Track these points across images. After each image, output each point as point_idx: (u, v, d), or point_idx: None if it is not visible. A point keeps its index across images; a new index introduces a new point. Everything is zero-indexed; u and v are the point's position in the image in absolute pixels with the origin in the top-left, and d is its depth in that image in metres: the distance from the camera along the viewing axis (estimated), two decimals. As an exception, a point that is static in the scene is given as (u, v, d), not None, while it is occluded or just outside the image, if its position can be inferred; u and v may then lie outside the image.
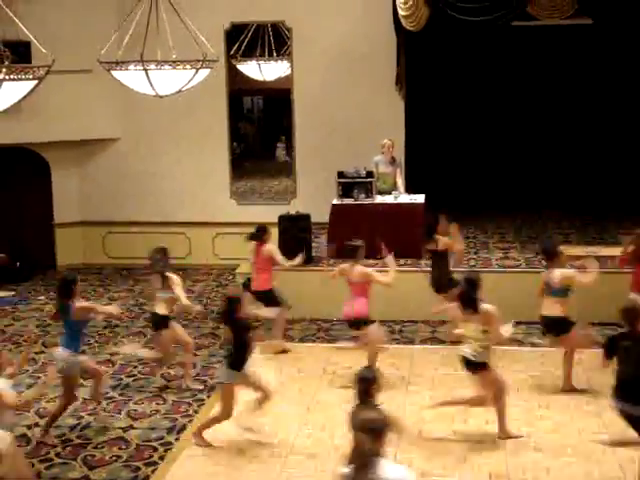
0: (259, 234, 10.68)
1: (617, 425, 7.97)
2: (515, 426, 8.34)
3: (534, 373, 9.75)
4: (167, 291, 9.37)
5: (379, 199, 12.44)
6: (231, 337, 8.11)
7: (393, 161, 12.79)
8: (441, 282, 10.44)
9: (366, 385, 6.16)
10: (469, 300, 7.94)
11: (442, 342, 10.88)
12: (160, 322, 9.47)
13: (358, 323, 9.54)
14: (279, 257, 10.66)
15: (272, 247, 10.74)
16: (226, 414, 8.07)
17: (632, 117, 14.94)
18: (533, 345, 10.62)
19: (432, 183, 13.92)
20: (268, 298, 10.56)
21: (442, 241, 10.47)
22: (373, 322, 9.55)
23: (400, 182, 12.81)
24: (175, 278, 9.44)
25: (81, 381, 8.90)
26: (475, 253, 12.58)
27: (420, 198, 12.56)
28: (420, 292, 11.27)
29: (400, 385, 9.50)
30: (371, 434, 4.95)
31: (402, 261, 11.97)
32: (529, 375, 9.69)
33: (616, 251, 12.07)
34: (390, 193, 12.61)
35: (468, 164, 15.29)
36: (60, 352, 8.32)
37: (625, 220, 14.21)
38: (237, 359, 8.02)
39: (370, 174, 12.39)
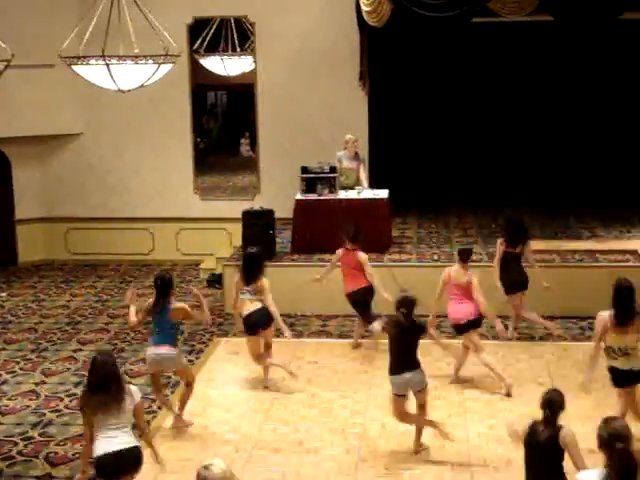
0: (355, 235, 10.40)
1: (576, 415, 8.09)
2: (476, 419, 8.43)
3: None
4: (255, 294, 9.22)
5: (342, 194, 12.48)
6: None
7: (356, 156, 12.82)
8: (520, 280, 10.35)
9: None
10: (630, 310, 7.62)
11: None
12: (254, 325, 9.27)
13: (467, 327, 9.23)
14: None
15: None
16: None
17: (590, 111, 15.09)
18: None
19: (395, 178, 14.00)
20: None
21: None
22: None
23: (363, 177, 12.85)
24: (265, 281, 9.28)
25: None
26: (438, 248, 12.66)
27: (383, 193, 12.62)
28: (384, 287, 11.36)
29: (364, 378, 9.54)
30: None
31: (367, 255, 12.04)
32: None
33: (578, 245, 12.27)
34: (353, 188, 12.64)
35: (431, 159, 15.37)
36: (163, 351, 8.14)
37: (585, 215, 14.41)
38: None
39: (333, 169, 12.42)
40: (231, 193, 15.59)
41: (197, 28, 14.56)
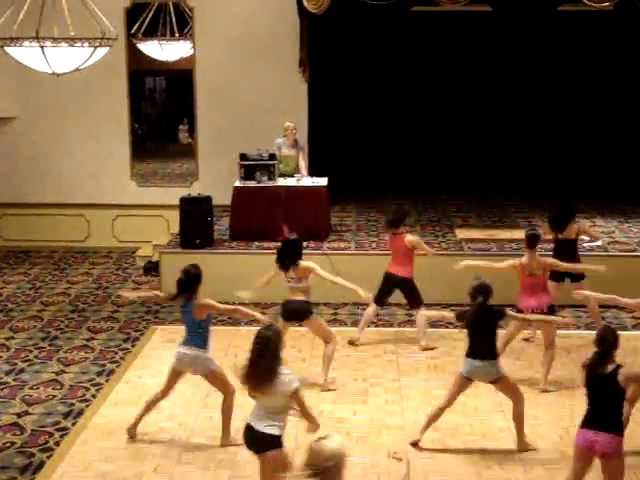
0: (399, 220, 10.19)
1: (510, 403, 8.18)
2: (412, 406, 8.46)
3: (433, 354, 9.90)
4: (301, 280, 8.94)
5: (281, 182, 12.43)
6: None
7: (296, 144, 12.78)
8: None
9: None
10: None
11: (344, 324, 10.95)
12: (306, 310, 8.98)
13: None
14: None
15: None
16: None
17: (528, 99, 15.28)
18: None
19: (335, 166, 14.00)
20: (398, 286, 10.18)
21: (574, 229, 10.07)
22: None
23: (303, 165, 12.82)
24: (310, 265, 9.00)
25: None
26: (377, 236, 12.68)
27: (323, 181, 12.60)
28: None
29: (302, 366, 9.51)
30: None
31: (304, 244, 12.02)
32: (428, 356, 9.83)
33: (514, 234, 12.40)
34: (293, 176, 12.60)
35: (371, 147, 15.42)
36: (190, 352, 7.80)
37: (522, 203, 14.59)
38: None
39: (272, 157, 12.36)
40: (169, 180, 15.43)
41: (135, 12, 14.34)
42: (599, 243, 11.92)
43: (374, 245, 12.20)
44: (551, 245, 10.27)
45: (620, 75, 14.95)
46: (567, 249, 9.93)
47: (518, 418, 7.64)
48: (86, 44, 9.18)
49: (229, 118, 14.22)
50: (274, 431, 6.14)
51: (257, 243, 12.09)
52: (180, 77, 16.01)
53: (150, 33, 14.75)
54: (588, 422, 6.28)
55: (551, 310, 8.97)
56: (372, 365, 9.55)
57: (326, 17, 12.86)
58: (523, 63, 15.13)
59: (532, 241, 9.02)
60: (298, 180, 12.50)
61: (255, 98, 14.16)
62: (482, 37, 14.89)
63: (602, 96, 15.12)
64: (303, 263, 8.95)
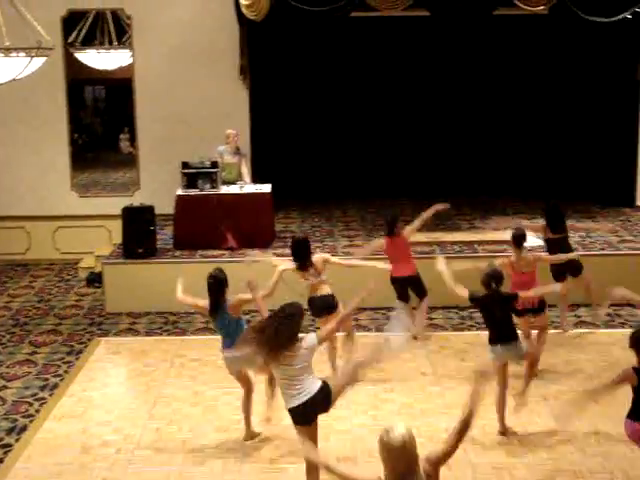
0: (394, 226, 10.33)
1: (457, 403, 8.21)
2: (360, 410, 8.48)
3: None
4: (321, 274, 9.03)
5: (224, 189, 12.38)
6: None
7: (238, 151, 12.76)
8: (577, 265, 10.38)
9: None
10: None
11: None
12: (335, 302, 8.94)
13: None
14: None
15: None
16: None
17: (467, 102, 15.44)
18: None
19: (278, 172, 13.99)
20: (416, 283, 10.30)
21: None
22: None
23: (245, 172, 12.81)
24: (324, 256, 9.25)
25: None
26: (321, 241, 12.69)
27: (266, 188, 12.58)
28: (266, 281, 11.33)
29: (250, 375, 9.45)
30: None
31: (249, 251, 12.00)
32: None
33: (457, 236, 12.52)
34: (235, 183, 12.58)
35: (313, 153, 15.44)
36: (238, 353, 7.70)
37: (463, 206, 14.71)
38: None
39: (215, 164, 12.30)
40: (110, 190, 15.27)
41: (72, 21, 14.17)
42: (540, 243, 12.10)
43: (318, 251, 12.18)
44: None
45: (559, 76, 15.13)
46: (559, 247, 10.33)
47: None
48: (22, 54, 9.03)
49: (170, 126, 14.12)
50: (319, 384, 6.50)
51: (201, 251, 12.03)
52: (120, 86, 15.84)
53: (88, 42, 14.59)
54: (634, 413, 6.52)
55: (541, 305, 9.16)
56: (320, 370, 9.45)
57: (265, 24, 12.85)
58: (463, 67, 15.29)
59: (518, 240, 9.32)
60: (241, 187, 12.47)
61: (196, 106, 14.09)
62: (422, 41, 14.99)
63: (546, 98, 15.31)
64: (316, 256, 9.17)
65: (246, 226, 12.15)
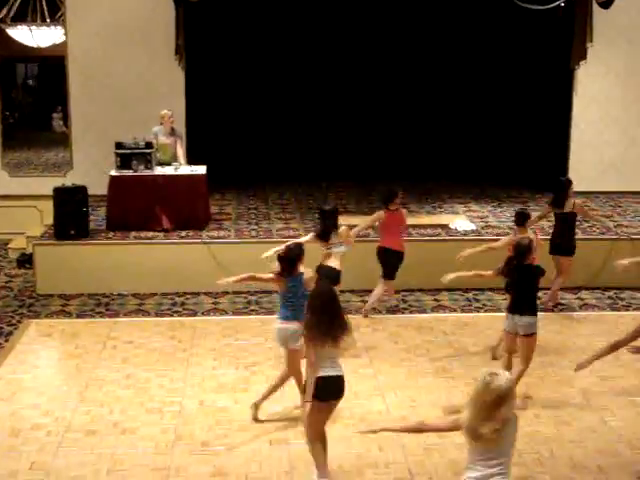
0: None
1: (390, 385, 8.32)
2: (294, 393, 8.49)
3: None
4: (342, 243, 9.28)
5: (159, 170, 12.24)
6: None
7: (173, 132, 12.62)
8: (570, 244, 10.73)
9: None
10: None
11: (225, 312, 10.90)
12: (338, 277, 9.17)
13: None
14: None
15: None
16: None
17: (401, 87, 15.45)
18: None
19: (213, 154, 13.89)
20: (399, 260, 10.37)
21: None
22: None
23: (180, 153, 12.68)
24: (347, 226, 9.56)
25: None
26: (256, 224, 12.65)
27: (201, 169, 12.47)
28: (200, 263, 11.32)
29: (182, 356, 9.42)
30: None
31: (183, 233, 11.94)
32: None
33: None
34: (170, 164, 12.44)
35: (249, 135, 15.34)
36: (294, 327, 7.66)
37: (406, 189, 14.79)
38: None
39: (149, 145, 12.15)
40: (42, 169, 15.01)
41: (3, -4, 13.88)
42: (473, 227, 12.26)
43: (254, 233, 12.16)
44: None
45: (495, 64, 15.25)
46: (566, 225, 10.70)
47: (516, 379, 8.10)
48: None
49: (104, 106, 13.91)
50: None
51: (135, 233, 11.90)
52: (53, 64, 15.58)
53: (20, 18, 14.28)
54: None
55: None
56: (253, 353, 9.54)
57: (201, 4, 12.72)
58: (402, 51, 15.27)
59: (520, 218, 9.63)
60: (176, 169, 12.35)
61: (131, 86, 13.90)
62: (358, 22, 14.92)
63: (482, 85, 15.43)
64: (342, 228, 9.53)
65: (181, 208, 12.04)
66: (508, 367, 8.09)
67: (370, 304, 10.64)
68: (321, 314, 6.50)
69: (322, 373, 6.55)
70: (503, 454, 5.02)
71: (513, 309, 8.12)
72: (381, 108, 15.55)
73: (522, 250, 8.10)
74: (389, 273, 10.42)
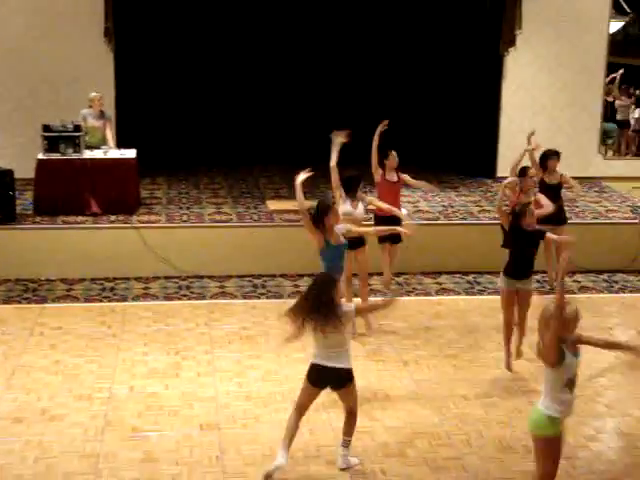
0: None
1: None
2: (225, 377, 8.49)
3: (245, 325, 9.93)
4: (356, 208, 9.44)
5: (88, 154, 12.08)
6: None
7: (102, 115, 12.46)
8: (562, 215, 10.88)
9: None
10: None
11: (155, 297, 10.80)
12: (359, 241, 9.27)
13: None
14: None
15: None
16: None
17: (320, 74, 15.41)
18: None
19: (143, 138, 13.74)
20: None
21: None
22: None
23: (110, 136, 12.53)
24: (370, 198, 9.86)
25: None
26: (188, 208, 12.56)
27: (131, 153, 12.34)
28: (130, 248, 11.22)
29: (112, 342, 9.33)
30: None
31: (113, 217, 11.80)
32: (241, 327, 9.86)
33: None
34: (99, 148, 12.30)
35: (180, 119, 15.20)
36: None
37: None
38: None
39: (78, 128, 11.98)
40: (-33, 153, 14.66)
41: None
42: (405, 212, 12.25)
43: (185, 218, 12.08)
44: None
45: (425, 50, 15.34)
46: (552, 194, 10.54)
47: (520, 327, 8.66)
48: None
49: (30, 88, 13.64)
50: (348, 365, 6.68)
51: (63, 217, 11.74)
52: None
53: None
54: None
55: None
56: (184, 338, 9.49)
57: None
58: (320, 34, 15.24)
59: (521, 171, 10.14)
60: (105, 152, 12.20)
61: (58, 67, 13.65)
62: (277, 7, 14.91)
63: (410, 70, 15.51)
64: (368, 197, 9.95)
65: (110, 192, 11.91)
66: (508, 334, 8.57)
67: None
68: (305, 298, 6.61)
69: (312, 358, 6.78)
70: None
71: (513, 273, 8.42)
72: (311, 93, 15.48)
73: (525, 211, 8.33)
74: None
